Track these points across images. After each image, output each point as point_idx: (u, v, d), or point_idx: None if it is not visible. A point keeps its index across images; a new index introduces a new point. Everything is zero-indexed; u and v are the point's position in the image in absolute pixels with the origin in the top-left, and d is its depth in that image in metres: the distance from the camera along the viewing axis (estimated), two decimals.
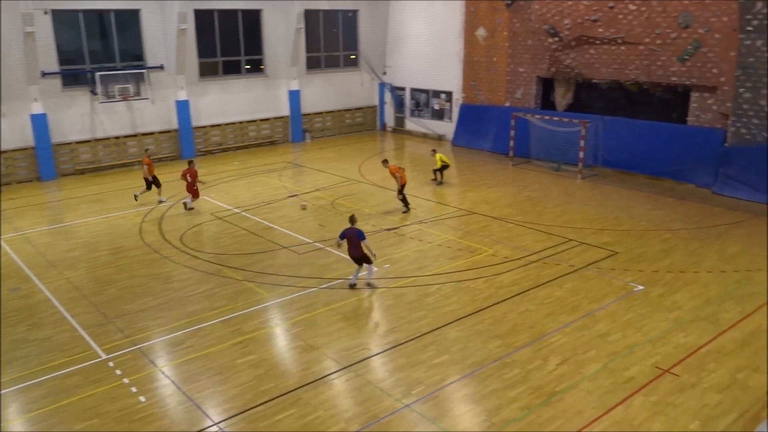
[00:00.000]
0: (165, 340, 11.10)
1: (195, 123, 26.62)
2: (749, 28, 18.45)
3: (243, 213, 18.46)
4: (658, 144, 21.22)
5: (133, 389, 9.58)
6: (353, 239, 12.67)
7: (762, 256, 14.32)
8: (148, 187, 19.77)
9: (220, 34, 27.11)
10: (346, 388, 9.55)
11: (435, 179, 21.63)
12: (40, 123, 22.85)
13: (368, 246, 12.64)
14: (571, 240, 15.53)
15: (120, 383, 9.75)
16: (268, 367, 10.14)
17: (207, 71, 27.03)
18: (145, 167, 19.60)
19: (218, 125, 27.52)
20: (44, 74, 22.75)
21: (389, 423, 8.64)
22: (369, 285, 13.04)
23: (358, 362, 10.18)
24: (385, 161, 19.24)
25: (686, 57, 20.40)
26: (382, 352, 10.55)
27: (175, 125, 26.16)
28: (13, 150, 22.72)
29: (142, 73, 24.59)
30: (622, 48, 21.97)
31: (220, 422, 8.77)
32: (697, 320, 11.30)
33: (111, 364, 10.32)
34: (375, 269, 13.36)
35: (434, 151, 21.81)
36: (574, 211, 18.06)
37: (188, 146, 26.48)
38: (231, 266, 14.35)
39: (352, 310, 12.12)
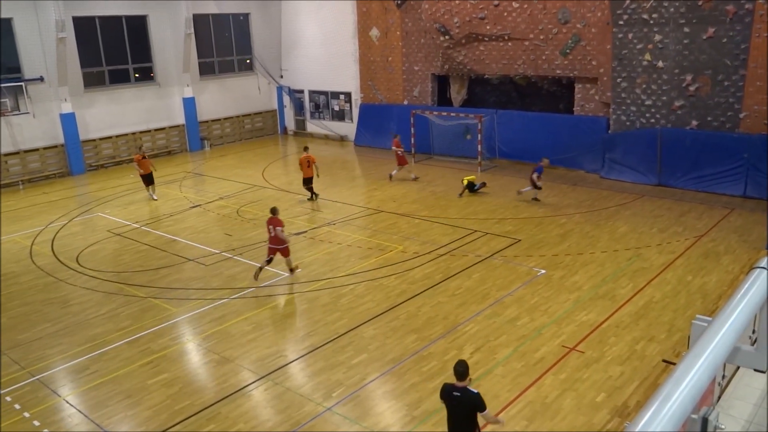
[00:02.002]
0: (67, 368, 10.44)
1: (83, 136, 25.16)
2: (621, 22, 19.83)
3: (143, 227, 17.67)
4: (548, 134, 22.35)
5: (36, 423, 8.95)
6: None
7: (649, 233, 15.44)
8: (148, 183, 20.24)
9: (103, 42, 25.78)
10: (265, 397, 9.39)
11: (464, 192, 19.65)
12: None
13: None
14: (476, 231, 16.07)
15: (20, 418, 9.07)
16: (181, 384, 9.79)
17: (92, 81, 25.63)
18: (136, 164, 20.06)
19: (109, 137, 26.17)
20: None
21: (312, 428, 8.59)
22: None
23: (276, 370, 10.04)
24: (306, 148, 19.96)
25: (568, 51, 21.61)
26: (300, 357, 10.46)
27: (61, 140, 24.61)
28: None
29: (19, 86, 22.92)
30: (509, 44, 22.95)
31: None
32: (596, 298, 12.03)
33: (8, 398, 9.58)
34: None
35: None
36: (476, 203, 18.68)
37: (77, 161, 24.99)
38: (134, 284, 13.71)
39: (266, 318, 11.93)
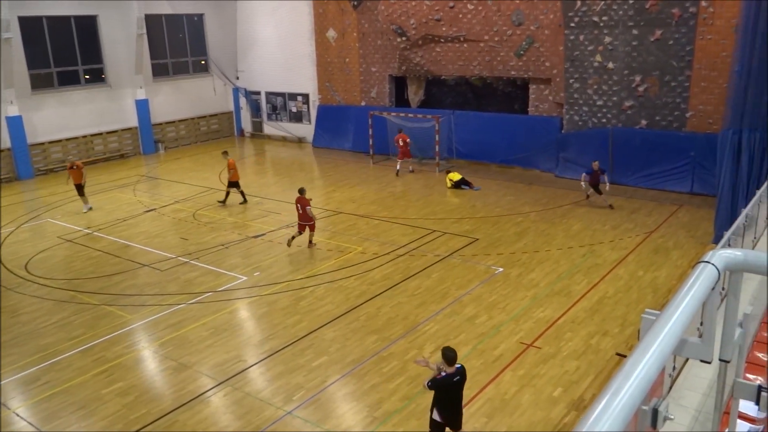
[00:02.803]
0: (16, 380, 10.08)
1: (31, 140, 24.34)
2: (572, 24, 20.29)
3: (95, 233, 17.20)
4: (504, 134, 22.69)
5: None
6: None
7: (602, 230, 15.83)
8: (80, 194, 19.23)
9: (51, 43, 24.99)
10: (224, 403, 9.26)
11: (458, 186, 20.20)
12: None
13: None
14: (434, 231, 16.19)
15: None
16: (137, 393, 9.57)
17: (40, 83, 24.82)
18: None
19: (58, 141, 25.39)
20: None
21: None
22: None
23: (235, 375, 9.92)
24: (225, 152, 19.75)
25: (522, 52, 21.99)
26: (259, 361, 10.35)
27: (7, 144, 23.74)
28: None
29: None
30: (465, 45, 23.22)
31: None
32: (552, 295, 12.26)
33: None
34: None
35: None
36: (435, 203, 18.83)
37: (25, 166, 24.16)
38: (87, 291, 13.33)
39: (224, 322, 11.76)
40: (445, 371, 7.39)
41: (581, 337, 10.60)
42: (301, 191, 15.18)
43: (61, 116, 25.38)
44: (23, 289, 13.62)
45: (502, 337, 10.67)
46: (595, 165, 17.45)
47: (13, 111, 23.62)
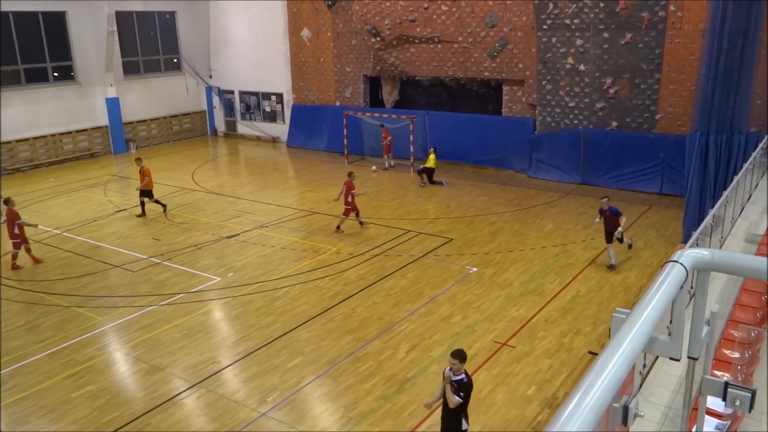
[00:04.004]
0: None
1: None
2: (545, 27, 20.53)
3: (65, 233, 16.88)
4: (478, 135, 22.86)
5: None
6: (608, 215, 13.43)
7: (574, 230, 16.04)
8: None
9: (18, 38, 24.44)
10: (198, 405, 9.17)
11: (423, 182, 20.78)
12: None
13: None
14: (409, 231, 16.23)
15: None
16: (109, 396, 9.42)
17: (6, 80, 24.24)
18: None
19: (26, 139, 24.84)
20: None
21: None
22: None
23: (209, 377, 9.83)
24: (138, 159, 18.75)
25: (495, 54, 22.18)
26: (233, 363, 10.27)
27: None
28: None
29: None
30: (439, 46, 23.32)
31: None
32: (525, 294, 12.40)
33: None
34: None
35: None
36: (409, 203, 18.89)
37: None
38: (56, 293, 13.08)
39: (197, 324, 11.64)
40: (464, 372, 7.17)
41: (554, 335, 10.73)
42: (350, 174, 16.25)
43: (29, 114, 24.83)
44: None
45: (477, 336, 10.75)
46: (605, 203, 13.45)
47: None
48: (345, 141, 24.55)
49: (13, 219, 14.45)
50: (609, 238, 13.50)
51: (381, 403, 9.02)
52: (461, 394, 7.08)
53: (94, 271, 14.24)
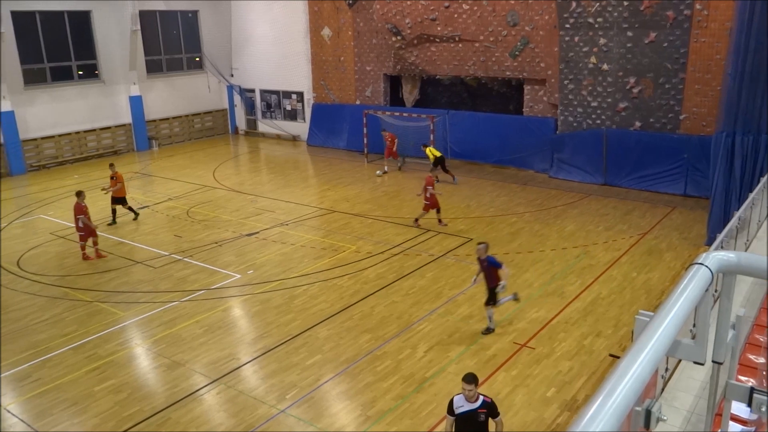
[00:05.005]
0: (8, 376, 10.03)
1: (23, 135, 24.21)
2: (567, 26, 20.35)
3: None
4: (499, 134, 22.74)
5: None
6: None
7: (595, 231, 15.89)
8: None
9: (44, 38, 24.85)
10: (217, 401, 9.25)
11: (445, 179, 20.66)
12: None
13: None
14: (429, 230, 16.20)
15: None
16: (130, 390, 9.54)
17: (33, 78, 24.67)
18: None
19: (51, 137, 25.25)
20: None
21: (266, 431, 8.50)
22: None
23: (229, 373, 9.90)
24: (111, 165, 17.94)
25: (517, 53, 22.04)
26: (253, 359, 10.34)
27: None
28: None
29: None
30: (460, 45, 23.24)
31: None
32: (545, 295, 12.30)
33: None
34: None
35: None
36: None
37: (17, 161, 24.03)
38: (79, 288, 13.28)
39: (218, 320, 11.74)
40: (479, 394, 6.85)
41: (574, 337, 10.64)
42: (432, 171, 17.30)
43: (55, 112, 25.25)
44: (15, 285, 13.55)
45: (496, 337, 10.69)
46: (481, 250, 10.80)
47: (5, 106, 23.48)
48: (365, 140, 24.58)
49: (78, 212, 14.71)
50: (491, 298, 10.76)
51: (399, 402, 9.01)
52: (497, 412, 6.81)
53: (116, 267, 14.44)
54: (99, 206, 18.14)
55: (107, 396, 9.39)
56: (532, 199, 18.99)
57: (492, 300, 10.77)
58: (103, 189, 17.97)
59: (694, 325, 3.14)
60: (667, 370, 6.61)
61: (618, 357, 9.93)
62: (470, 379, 6.65)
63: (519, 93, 23.23)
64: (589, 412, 1.82)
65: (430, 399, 9.03)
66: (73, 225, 15.24)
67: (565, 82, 20.92)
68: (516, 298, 11.33)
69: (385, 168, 22.67)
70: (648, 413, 2.54)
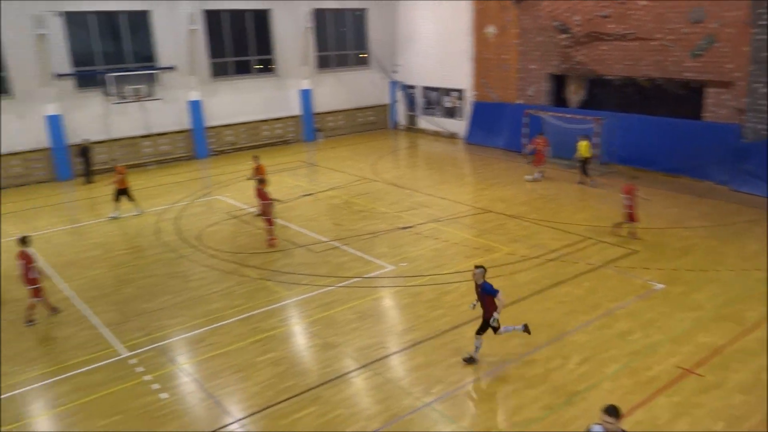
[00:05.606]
0: (185, 338, 11.15)
1: (207, 123, 26.72)
2: (761, 23, 18.29)
3: (258, 213, 18.46)
4: (673, 140, 21.07)
5: (155, 386, 9.64)
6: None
7: None
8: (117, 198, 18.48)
9: (229, 34, 27.19)
10: (365, 386, 9.55)
11: (583, 182, 20.35)
12: (55, 124, 23.00)
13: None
14: (589, 238, 15.45)
15: (141, 380, 9.80)
16: (287, 365, 10.16)
17: (218, 71, 27.12)
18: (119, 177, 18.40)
19: (231, 125, 27.61)
20: (57, 76, 22.89)
21: (410, 422, 8.63)
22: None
23: (377, 361, 10.18)
24: (255, 157, 18.86)
25: (699, 52, 20.24)
26: (401, 350, 10.54)
27: (188, 125, 26.26)
28: (29, 151, 22.90)
29: (154, 73, 24.70)
30: (634, 44, 21.83)
31: (241, 419, 8.81)
32: (719, 319, 11.19)
33: (132, 361, 10.39)
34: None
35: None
36: (590, 209, 17.97)
37: (201, 146, 26.59)
38: (248, 265, 14.39)
39: (369, 308, 12.12)
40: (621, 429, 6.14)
41: (751, 369, 9.57)
42: (632, 178, 16.27)
43: (234, 102, 27.55)
44: (194, 257, 15.00)
45: (658, 359, 9.94)
46: (477, 276, 9.82)
47: (194, 96, 26.04)
48: (524, 140, 24.00)
49: (263, 199, 15.62)
50: (482, 327, 9.87)
51: (546, 413, 8.71)
52: None
53: (281, 248, 15.43)
54: (247, 195, 19.38)
55: (267, 367, 10.07)
56: (707, 212, 17.36)
57: (483, 329, 9.86)
58: (248, 178, 19.13)
59: None
60: None
61: None
62: (613, 412, 6.04)
63: (698, 96, 21.31)
64: None
65: (580, 414, 8.62)
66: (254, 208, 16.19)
67: (756, 85, 18.85)
68: (527, 330, 10.19)
69: (536, 174, 21.57)
70: None
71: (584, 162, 20.39)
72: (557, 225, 16.50)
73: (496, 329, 9.84)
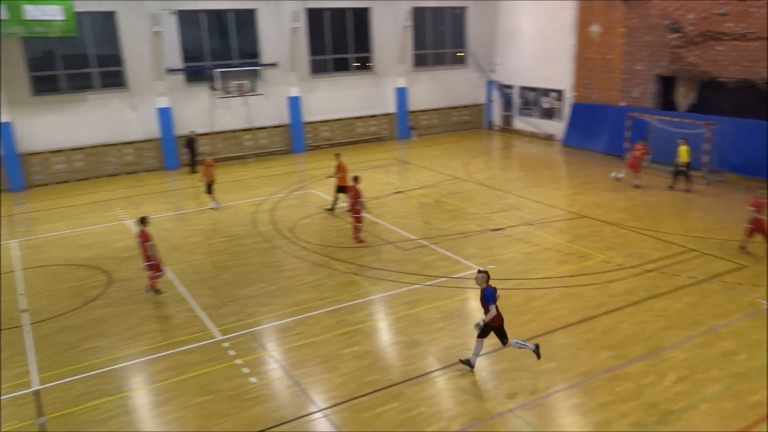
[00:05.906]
0: (275, 326, 11.54)
1: (305, 119, 27.47)
2: None
3: (348, 210, 18.77)
4: None
5: (245, 370, 10.03)
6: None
7: None
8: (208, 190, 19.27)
9: (330, 32, 27.80)
10: (448, 386, 9.49)
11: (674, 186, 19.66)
12: (165, 116, 24.44)
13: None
14: (692, 250, 14.57)
15: (233, 363, 10.24)
16: (372, 359, 10.27)
17: (317, 68, 27.82)
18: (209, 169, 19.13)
19: (327, 121, 28.26)
20: (169, 71, 24.30)
21: (492, 426, 8.50)
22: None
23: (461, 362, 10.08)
24: (337, 155, 18.76)
25: None
26: (486, 354, 10.36)
27: (286, 120, 27.13)
28: (142, 141, 24.47)
29: (257, 69, 25.69)
30: (755, 44, 20.32)
31: (325, 409, 9.00)
32: None
33: (226, 344, 10.87)
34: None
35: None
36: (695, 219, 16.95)
37: (299, 141, 27.39)
38: (337, 259, 14.67)
39: (455, 309, 12.03)
40: None
41: None
42: (758, 189, 14.98)
43: (332, 99, 28.18)
44: (287, 248, 15.48)
45: (765, 382, 9.22)
46: (479, 280, 9.60)
47: (294, 92, 26.85)
48: (626, 144, 22.96)
49: (354, 196, 15.67)
50: (483, 332, 9.60)
51: (637, 430, 8.30)
52: None
53: (370, 244, 15.62)
54: (326, 191, 19.65)
55: (352, 360, 10.23)
56: None
57: (483, 335, 9.60)
58: (328, 176, 19.18)
59: None
60: None
61: None
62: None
63: None
64: None
65: None
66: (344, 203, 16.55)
67: None
68: (536, 352, 9.72)
69: (622, 174, 20.69)
70: None
71: (684, 167, 19.23)
72: (658, 234, 15.68)
73: (479, 335, 9.66)
